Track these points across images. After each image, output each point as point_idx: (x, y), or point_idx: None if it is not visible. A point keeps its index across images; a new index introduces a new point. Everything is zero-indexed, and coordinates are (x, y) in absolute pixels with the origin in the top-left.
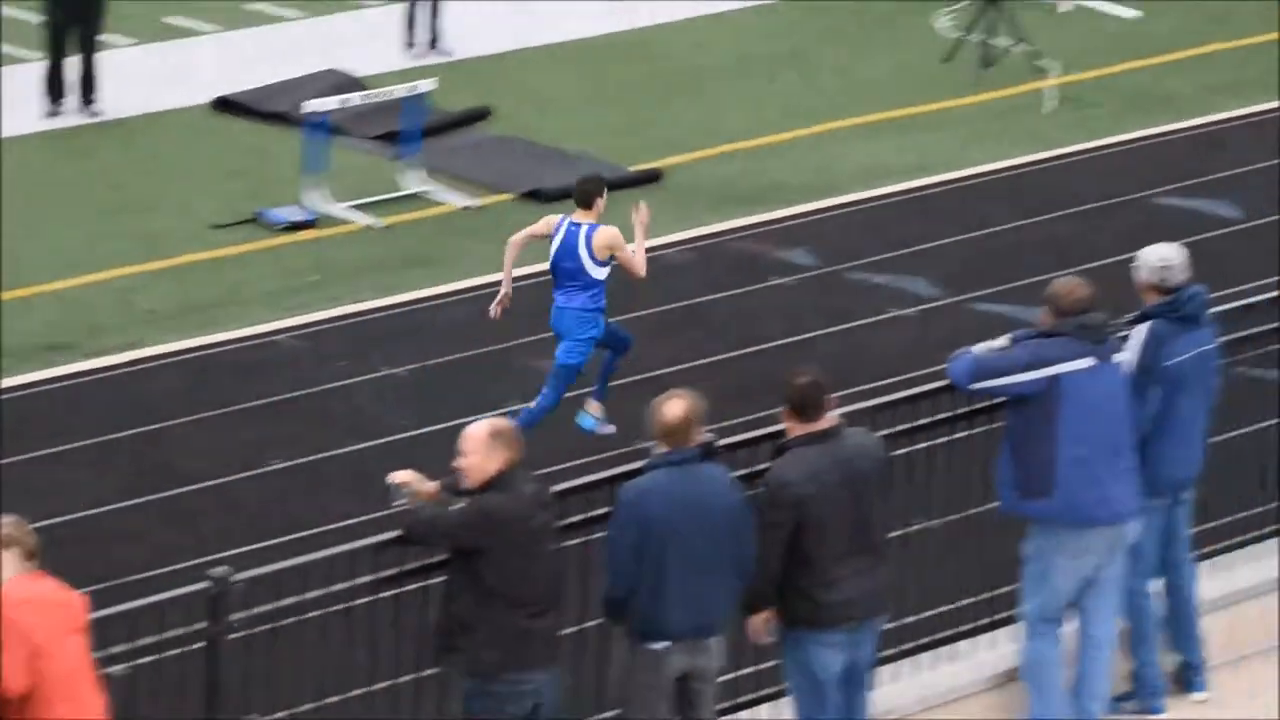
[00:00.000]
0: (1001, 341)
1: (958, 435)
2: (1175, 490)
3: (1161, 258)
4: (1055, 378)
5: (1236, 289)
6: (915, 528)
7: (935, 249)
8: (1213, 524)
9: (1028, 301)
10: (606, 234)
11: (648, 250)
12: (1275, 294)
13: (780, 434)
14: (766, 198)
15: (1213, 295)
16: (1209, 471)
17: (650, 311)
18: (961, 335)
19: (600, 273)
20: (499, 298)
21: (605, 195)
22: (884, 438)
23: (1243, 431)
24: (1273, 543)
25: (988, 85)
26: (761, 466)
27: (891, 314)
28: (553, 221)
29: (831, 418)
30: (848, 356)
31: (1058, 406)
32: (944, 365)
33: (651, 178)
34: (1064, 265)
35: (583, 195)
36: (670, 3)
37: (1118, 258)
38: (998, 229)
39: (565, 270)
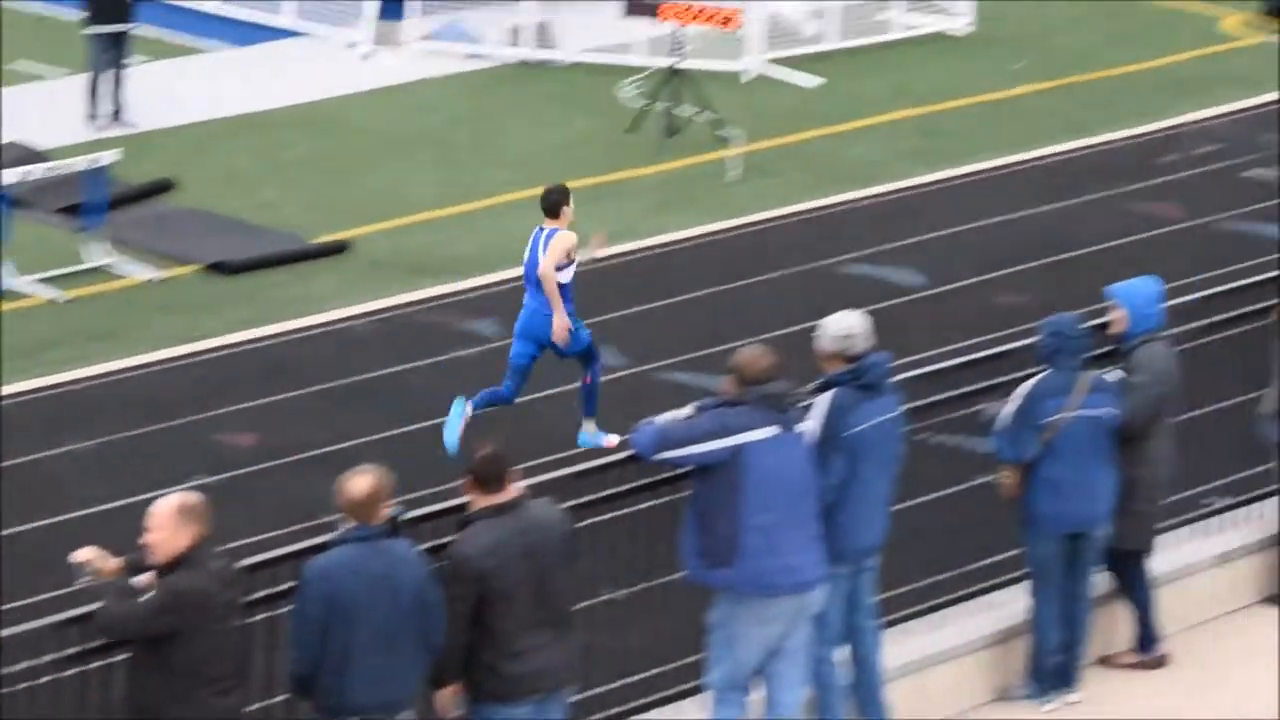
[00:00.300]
0: (686, 411)
1: (643, 505)
2: (859, 558)
3: (844, 326)
4: (739, 447)
5: (920, 356)
6: (603, 598)
7: (622, 318)
8: (898, 591)
9: (713, 370)
10: (560, 237)
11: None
12: (959, 361)
13: (465, 506)
14: (452, 269)
15: (896, 363)
16: (894, 538)
17: (338, 384)
18: (647, 404)
19: (561, 275)
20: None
21: (572, 204)
22: (570, 508)
23: (927, 499)
24: (956, 609)
25: (673, 154)
26: (447, 539)
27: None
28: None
29: (515, 489)
30: (535, 426)
31: (742, 476)
32: (630, 435)
33: (337, 249)
34: (749, 334)
35: (549, 205)
36: (357, 74)
37: (802, 326)
38: (683, 297)
39: (531, 270)
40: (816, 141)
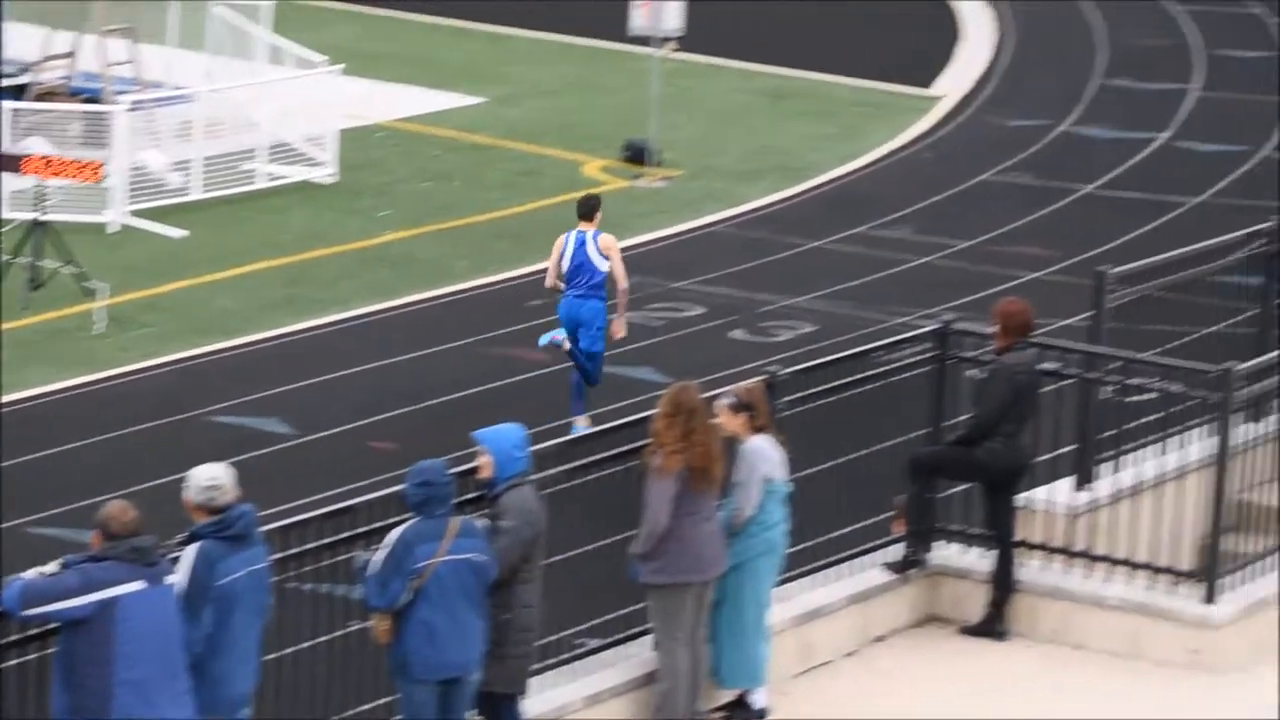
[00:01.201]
0: (52, 566)
1: (10, 662)
2: (232, 708)
3: (209, 477)
4: (108, 601)
5: (288, 505)
6: None
7: None
8: None
9: (80, 524)
10: (608, 237)
11: None
12: (328, 509)
13: None
14: None
15: (266, 511)
16: (267, 687)
17: None
18: (14, 560)
19: (604, 266)
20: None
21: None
22: None
23: (300, 647)
24: None
25: (37, 307)
26: None
27: None
28: (560, 241)
29: None
30: None
31: (112, 630)
32: None
33: None
34: (117, 487)
35: (588, 209)
36: None
37: (171, 477)
38: (49, 451)
39: (577, 268)
40: (182, 293)
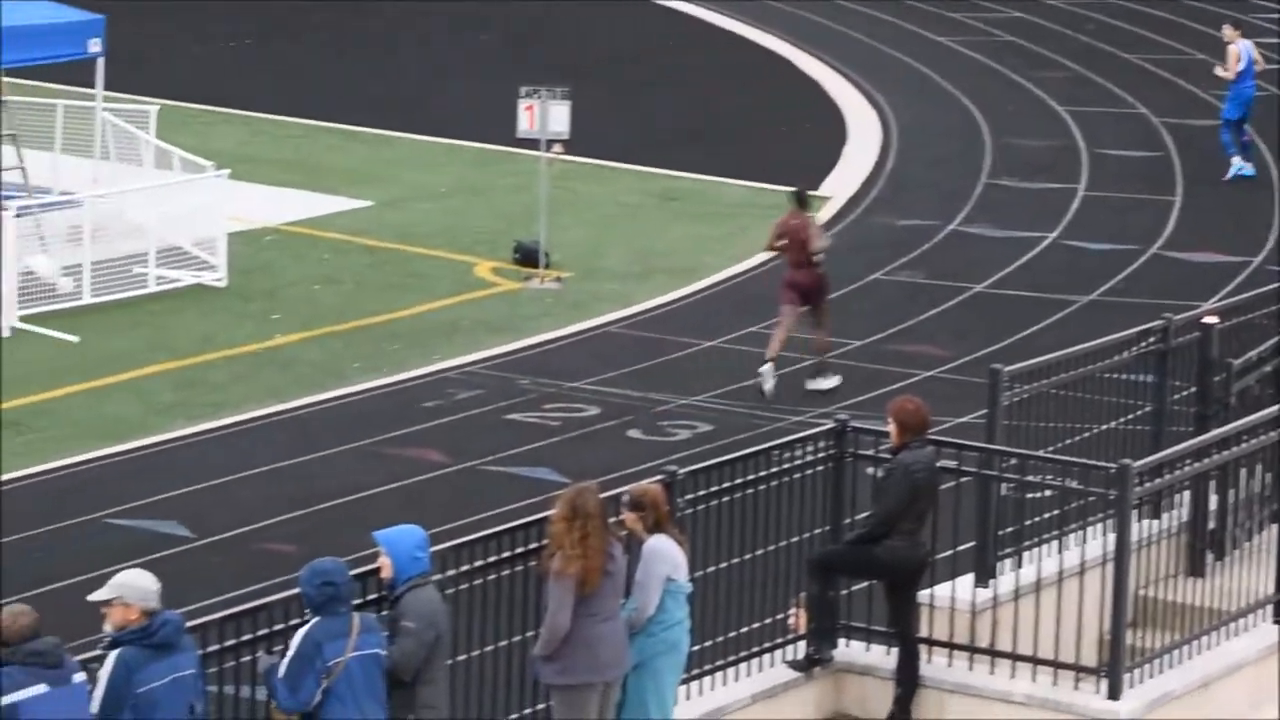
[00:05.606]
0: None
1: None
2: None
3: (127, 583)
4: (9, 707)
5: (190, 607)
6: None
7: None
8: None
9: None
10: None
11: None
12: (230, 611)
13: None
14: None
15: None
16: None
17: None
18: None
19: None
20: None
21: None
22: None
23: None
24: None
25: None
26: None
27: None
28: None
29: None
30: None
31: None
32: None
33: None
34: (12, 592)
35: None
36: None
37: (69, 581)
38: None
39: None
40: (74, 397)
